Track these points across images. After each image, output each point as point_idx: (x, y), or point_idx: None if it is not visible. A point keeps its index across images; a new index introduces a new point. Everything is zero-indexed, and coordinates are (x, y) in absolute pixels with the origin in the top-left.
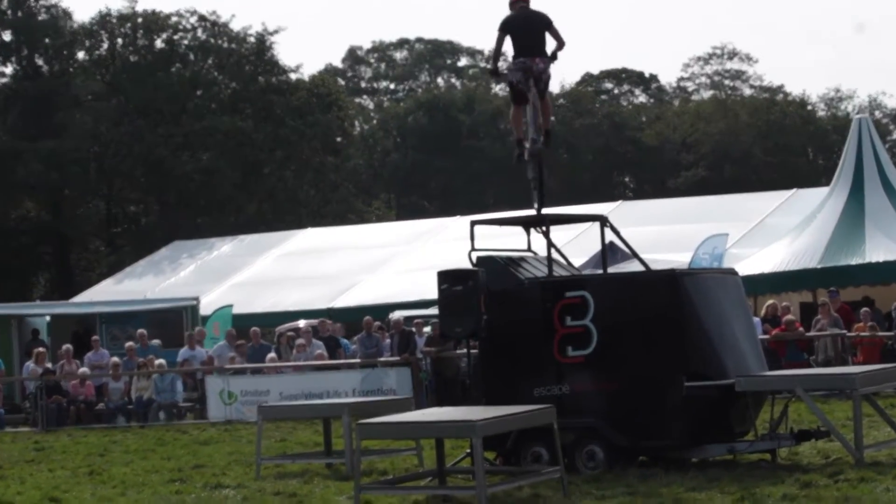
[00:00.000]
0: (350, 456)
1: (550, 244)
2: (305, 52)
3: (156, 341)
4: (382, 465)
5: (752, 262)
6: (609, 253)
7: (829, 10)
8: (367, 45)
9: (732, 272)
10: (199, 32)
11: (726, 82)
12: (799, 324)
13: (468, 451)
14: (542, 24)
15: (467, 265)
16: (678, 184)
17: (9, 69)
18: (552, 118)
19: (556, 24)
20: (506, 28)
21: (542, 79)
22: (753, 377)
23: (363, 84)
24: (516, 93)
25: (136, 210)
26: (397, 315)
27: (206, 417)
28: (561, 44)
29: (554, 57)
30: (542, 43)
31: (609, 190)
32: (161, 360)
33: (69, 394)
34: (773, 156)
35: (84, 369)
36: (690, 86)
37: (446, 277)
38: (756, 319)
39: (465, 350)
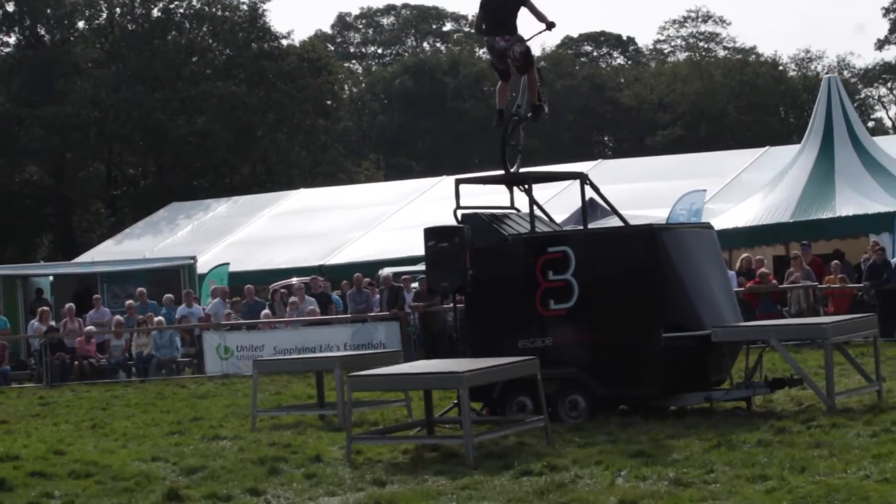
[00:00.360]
0: (342, 408)
1: (533, 201)
2: (296, 19)
3: (169, 295)
4: (373, 417)
5: (727, 216)
6: (589, 209)
7: None
8: (355, 12)
9: (708, 227)
10: (194, 1)
11: (701, 44)
12: (772, 276)
13: (455, 401)
14: (512, 1)
15: (453, 222)
16: (655, 142)
17: (12, 39)
18: (541, 94)
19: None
20: (481, 5)
21: (510, 55)
22: (729, 328)
23: (352, 49)
24: (496, 70)
25: (134, 173)
26: (386, 271)
27: (204, 372)
28: (544, 22)
29: (541, 31)
30: (507, 21)
31: (589, 149)
32: (160, 317)
33: (73, 350)
34: (746, 114)
35: (90, 327)
36: (666, 48)
37: (433, 234)
38: (731, 272)
39: (451, 305)
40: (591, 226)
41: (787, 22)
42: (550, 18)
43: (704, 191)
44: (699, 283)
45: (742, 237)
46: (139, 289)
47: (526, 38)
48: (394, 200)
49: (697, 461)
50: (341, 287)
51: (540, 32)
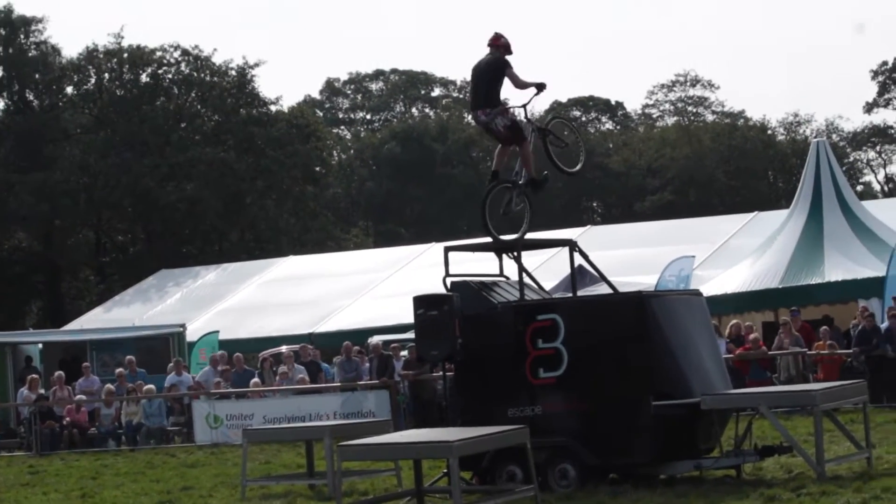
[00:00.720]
0: (332, 477)
1: (522, 269)
2: (285, 85)
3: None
4: (363, 486)
5: (716, 283)
6: (578, 276)
7: (789, 37)
8: (343, 77)
9: (697, 293)
10: (183, 66)
11: (689, 108)
12: (762, 343)
13: (445, 471)
14: (488, 73)
15: (442, 290)
16: (644, 208)
17: (0, 104)
18: (539, 168)
19: (515, 68)
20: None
21: (492, 129)
22: (718, 395)
23: (340, 115)
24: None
25: (124, 240)
26: (375, 340)
27: (193, 441)
28: (532, 86)
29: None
30: (484, 94)
31: (578, 215)
32: (150, 386)
33: (62, 419)
34: (735, 179)
35: (81, 396)
36: (655, 112)
37: (422, 302)
38: (720, 339)
39: (441, 373)
40: (580, 293)
41: (776, 86)
42: (538, 80)
43: (693, 257)
44: (689, 351)
45: (731, 303)
46: (128, 357)
47: (519, 104)
48: (383, 268)
49: None
50: (333, 360)
51: (532, 97)
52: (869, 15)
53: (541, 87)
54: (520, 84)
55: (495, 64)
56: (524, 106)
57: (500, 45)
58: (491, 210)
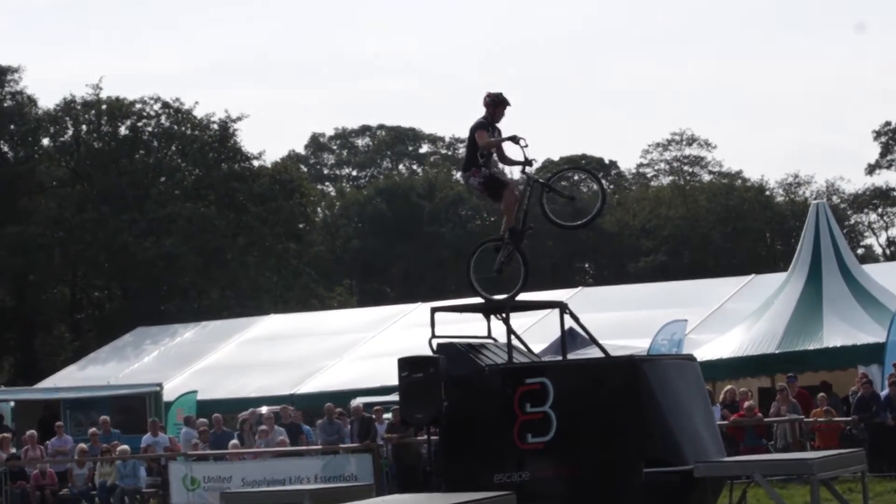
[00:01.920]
0: None
1: (510, 331)
2: (268, 139)
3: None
4: None
5: (710, 347)
6: (569, 339)
7: (789, 97)
8: (329, 132)
9: (691, 358)
10: (163, 119)
11: (685, 168)
12: (757, 409)
13: None
14: (468, 137)
15: (428, 352)
16: (638, 269)
17: None
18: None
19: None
20: None
21: (475, 190)
22: (712, 463)
23: (326, 171)
24: None
25: (100, 296)
26: (358, 402)
27: (170, 503)
28: (487, 148)
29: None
30: (470, 157)
31: (569, 276)
32: (124, 446)
33: (34, 479)
34: (731, 241)
35: (47, 459)
36: (650, 172)
37: (406, 364)
38: (714, 405)
39: (425, 437)
40: (570, 356)
41: (775, 145)
42: (506, 136)
43: (685, 321)
44: (682, 417)
45: (726, 369)
46: (102, 417)
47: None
48: (367, 327)
49: None
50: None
51: (524, 153)
52: (872, 74)
53: (513, 140)
54: (484, 145)
55: (471, 128)
56: (523, 165)
57: (485, 105)
58: (478, 268)
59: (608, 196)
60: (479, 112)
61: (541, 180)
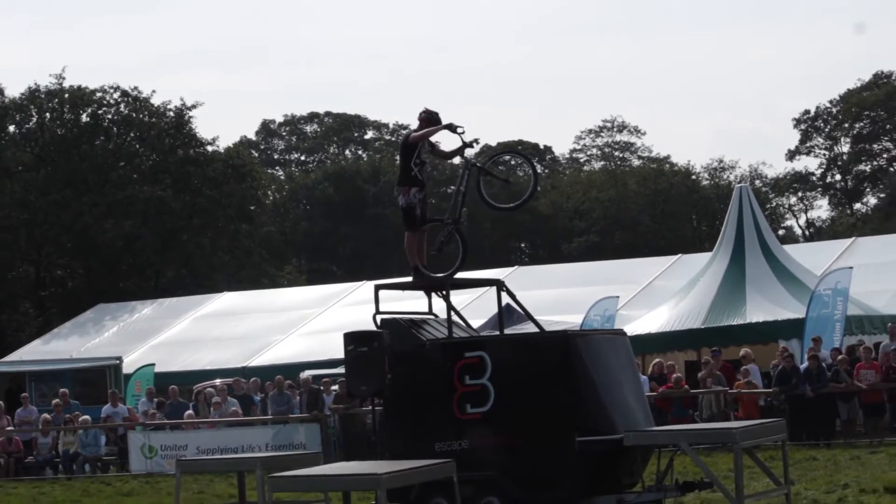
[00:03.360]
0: None
1: (450, 307)
2: (221, 125)
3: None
4: None
5: (640, 322)
6: (506, 315)
7: (714, 84)
8: (279, 119)
9: (621, 333)
10: (122, 107)
11: (616, 153)
12: (684, 382)
13: (374, 503)
14: (400, 150)
15: (372, 327)
16: (571, 249)
17: None
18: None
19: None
20: None
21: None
22: (641, 432)
23: (276, 156)
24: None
25: (62, 274)
26: (306, 374)
27: (128, 470)
28: (426, 137)
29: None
30: (403, 172)
31: (506, 255)
32: (86, 417)
33: (0, 447)
34: (660, 223)
35: (10, 428)
36: (582, 157)
37: (352, 339)
38: (643, 377)
39: (370, 407)
40: (507, 331)
41: (701, 132)
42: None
43: (617, 297)
44: (612, 388)
45: (655, 343)
46: (62, 390)
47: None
48: (315, 304)
49: None
50: (254, 385)
51: (462, 141)
52: (791, 63)
53: (450, 128)
54: (419, 136)
55: (402, 139)
56: (462, 149)
57: (420, 120)
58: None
59: (541, 179)
60: (423, 99)
61: (478, 164)
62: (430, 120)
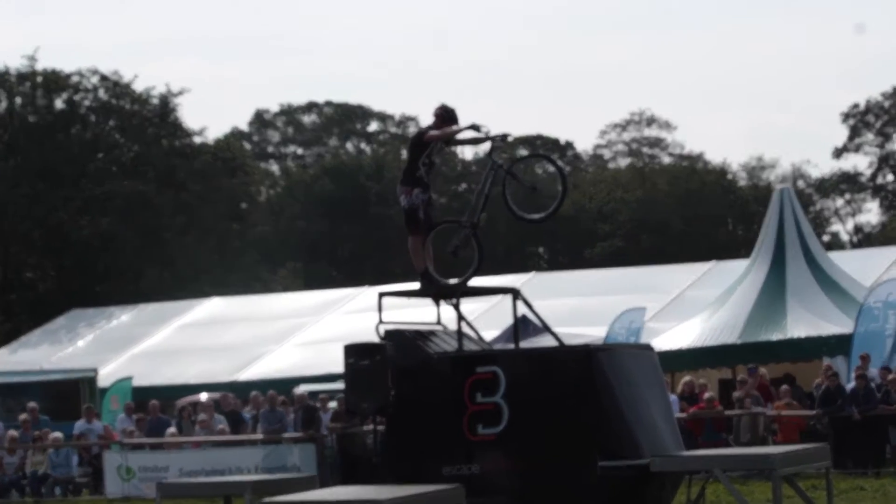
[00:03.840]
0: None
1: (461, 317)
2: (210, 115)
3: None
4: None
5: (669, 336)
6: (521, 327)
7: (753, 76)
8: (274, 108)
9: (648, 348)
10: (101, 93)
11: (644, 150)
12: (717, 402)
13: None
14: (410, 148)
15: (374, 338)
16: (594, 254)
17: None
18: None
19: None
20: None
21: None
22: (669, 457)
23: (270, 148)
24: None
25: (32, 276)
26: (301, 389)
27: (103, 493)
28: (448, 137)
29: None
30: (408, 170)
31: (522, 260)
32: (57, 434)
33: None
34: (691, 226)
35: None
36: (607, 153)
37: (353, 351)
38: (673, 397)
39: (371, 427)
40: (522, 344)
41: (738, 127)
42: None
43: (644, 309)
44: (638, 409)
45: (685, 359)
46: (30, 404)
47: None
48: (312, 311)
49: None
50: (253, 401)
51: (485, 139)
52: (838, 53)
53: (473, 128)
54: (444, 134)
55: (413, 137)
56: (485, 143)
57: (435, 115)
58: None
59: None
60: (434, 90)
61: (504, 167)
62: (445, 117)
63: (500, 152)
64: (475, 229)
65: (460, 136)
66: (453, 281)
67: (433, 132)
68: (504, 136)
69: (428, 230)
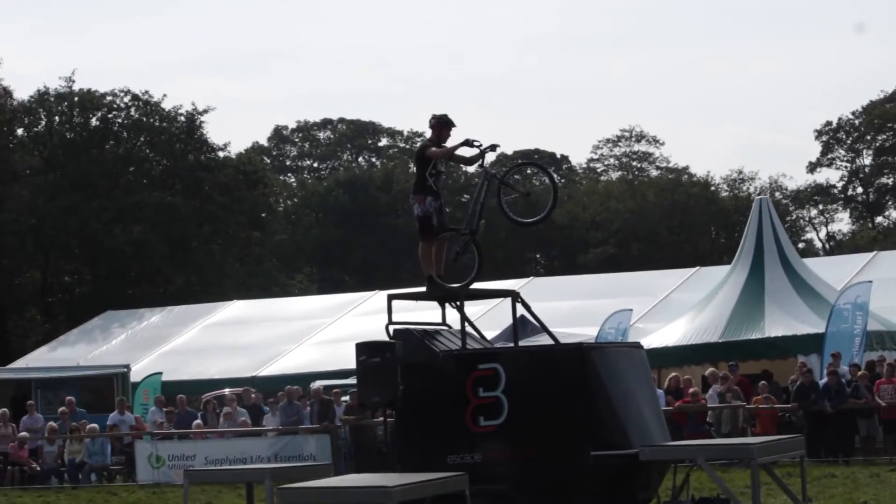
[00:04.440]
0: None
1: (464, 318)
2: (233, 131)
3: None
4: None
5: (656, 336)
6: (520, 326)
7: (735, 95)
8: (292, 125)
9: (637, 346)
10: (133, 111)
11: (634, 164)
12: (701, 396)
13: None
14: (416, 161)
15: (385, 337)
16: (587, 260)
17: None
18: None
19: (421, 153)
20: None
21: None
22: (657, 447)
23: (288, 162)
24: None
25: (70, 280)
26: (317, 384)
27: (135, 480)
28: (445, 156)
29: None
30: (418, 180)
31: (521, 266)
32: (93, 425)
33: (6, 456)
34: (677, 234)
35: (23, 433)
36: (600, 167)
37: (364, 349)
38: (659, 391)
39: (382, 419)
40: (521, 343)
41: (721, 143)
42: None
43: (630, 310)
44: (628, 402)
45: (671, 357)
46: (68, 398)
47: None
48: (326, 313)
49: None
50: (276, 399)
51: (480, 154)
52: (813, 74)
53: (467, 143)
54: (438, 154)
55: (417, 151)
56: (481, 159)
57: (430, 127)
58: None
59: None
60: (438, 107)
61: (497, 175)
62: (440, 124)
63: (490, 162)
64: (474, 235)
65: (458, 152)
66: (457, 285)
67: (432, 150)
68: (494, 147)
69: (439, 235)
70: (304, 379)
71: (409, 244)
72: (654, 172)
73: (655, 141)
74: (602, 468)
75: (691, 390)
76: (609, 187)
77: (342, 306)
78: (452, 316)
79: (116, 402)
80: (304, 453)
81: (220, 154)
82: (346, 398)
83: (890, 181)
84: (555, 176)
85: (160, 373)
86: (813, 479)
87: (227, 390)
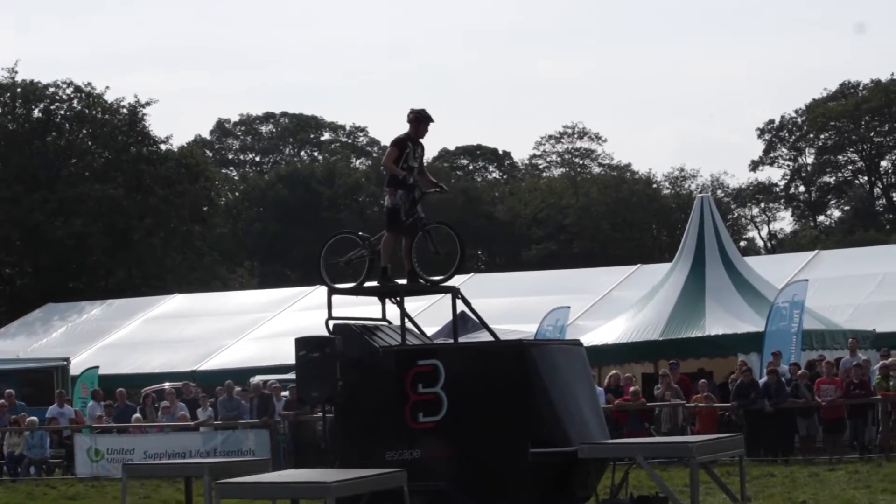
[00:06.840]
0: None
1: (404, 314)
2: (176, 124)
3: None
4: None
5: (596, 333)
6: (460, 323)
7: (677, 93)
8: (234, 118)
9: (577, 343)
10: (75, 103)
11: (576, 160)
12: (641, 395)
13: None
14: None
15: (324, 332)
16: (529, 257)
17: None
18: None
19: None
20: None
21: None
22: (596, 444)
23: (230, 156)
24: None
25: (11, 273)
26: (257, 379)
27: (74, 473)
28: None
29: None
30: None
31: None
32: (32, 418)
33: None
34: (620, 231)
35: None
36: (542, 163)
37: (304, 344)
38: (599, 389)
39: (321, 414)
40: (461, 339)
41: (663, 140)
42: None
43: (568, 308)
44: (567, 399)
45: (611, 354)
46: (7, 390)
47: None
48: (267, 308)
49: None
50: (216, 393)
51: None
52: (756, 72)
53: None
54: (385, 166)
55: (391, 143)
56: (417, 199)
57: (408, 122)
58: (329, 255)
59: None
60: (382, 101)
61: (425, 221)
62: (417, 119)
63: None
64: (373, 249)
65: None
66: (403, 281)
67: (388, 163)
68: (441, 189)
69: (411, 228)
70: (245, 373)
71: None
72: (597, 169)
73: (598, 138)
74: (541, 465)
75: (632, 389)
76: (551, 184)
77: (283, 301)
78: (393, 312)
79: (56, 396)
80: (244, 448)
81: (163, 147)
82: (286, 393)
83: (832, 180)
84: (464, 242)
85: (97, 367)
86: (752, 479)
87: (167, 384)
